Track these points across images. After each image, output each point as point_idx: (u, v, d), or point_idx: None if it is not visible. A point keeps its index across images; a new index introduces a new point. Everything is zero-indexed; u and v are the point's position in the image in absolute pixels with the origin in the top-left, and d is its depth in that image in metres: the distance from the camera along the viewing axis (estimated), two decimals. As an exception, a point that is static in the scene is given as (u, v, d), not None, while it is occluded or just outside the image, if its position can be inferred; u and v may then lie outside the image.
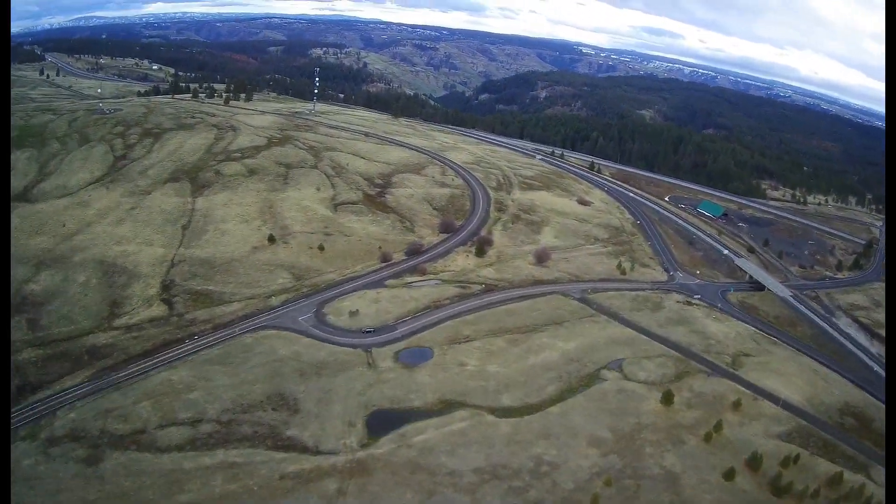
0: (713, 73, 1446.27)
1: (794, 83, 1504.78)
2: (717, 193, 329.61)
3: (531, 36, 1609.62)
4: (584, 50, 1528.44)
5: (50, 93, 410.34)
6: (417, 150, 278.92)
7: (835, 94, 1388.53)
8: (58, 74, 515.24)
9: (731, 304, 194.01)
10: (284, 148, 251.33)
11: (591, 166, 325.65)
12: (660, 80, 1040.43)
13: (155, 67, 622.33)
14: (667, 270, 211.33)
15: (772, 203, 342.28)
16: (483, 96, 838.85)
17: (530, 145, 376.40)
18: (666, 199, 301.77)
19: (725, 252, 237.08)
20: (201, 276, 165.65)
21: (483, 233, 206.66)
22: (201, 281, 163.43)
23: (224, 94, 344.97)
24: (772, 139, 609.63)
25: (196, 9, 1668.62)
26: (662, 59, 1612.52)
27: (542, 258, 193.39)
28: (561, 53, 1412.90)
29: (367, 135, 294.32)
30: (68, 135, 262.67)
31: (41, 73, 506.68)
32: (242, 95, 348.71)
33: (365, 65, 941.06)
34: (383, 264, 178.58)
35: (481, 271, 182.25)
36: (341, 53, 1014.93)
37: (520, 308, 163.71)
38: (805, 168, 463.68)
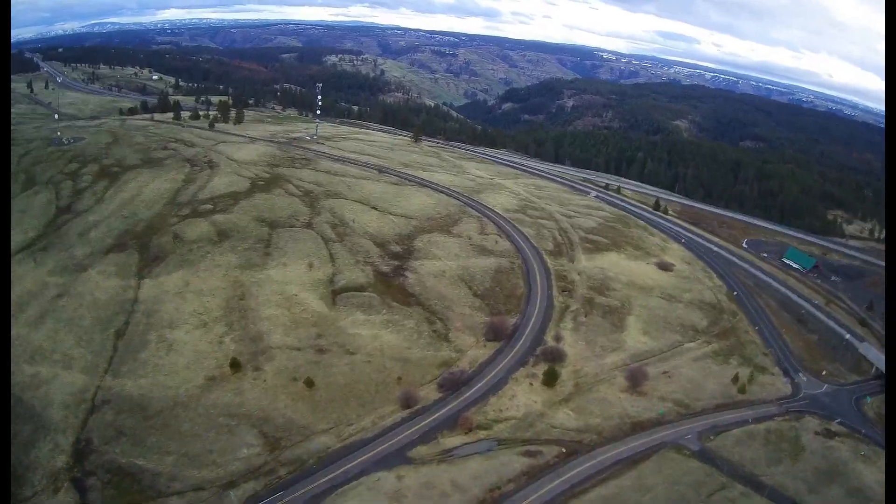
0: (734, 79, 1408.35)
1: (812, 87, 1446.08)
2: (796, 234, 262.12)
3: (550, 41, 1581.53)
4: (605, 56, 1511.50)
5: (25, 112, 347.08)
6: (446, 193, 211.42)
7: (854, 98, 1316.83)
8: (46, 87, 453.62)
9: (871, 420, 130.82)
10: (271, 195, 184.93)
11: (656, 205, 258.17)
12: (686, 86, 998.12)
13: (155, 77, 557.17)
14: (787, 373, 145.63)
15: (852, 244, 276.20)
16: (506, 105, 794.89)
17: (574, 171, 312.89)
18: (744, 244, 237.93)
19: (847, 337, 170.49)
20: (129, 433, 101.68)
21: (549, 338, 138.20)
22: (128, 446, 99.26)
23: (211, 115, 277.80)
24: (813, 152, 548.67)
25: (210, 15, 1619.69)
26: (683, 64, 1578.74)
27: (636, 380, 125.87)
28: (581, 59, 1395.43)
29: (380, 170, 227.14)
30: (14, 175, 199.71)
31: (28, 85, 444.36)
32: (233, 114, 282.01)
33: (382, 72, 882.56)
34: (405, 412, 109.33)
35: (555, 415, 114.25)
36: (357, 60, 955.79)
37: (622, 492, 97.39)
38: (865, 191, 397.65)
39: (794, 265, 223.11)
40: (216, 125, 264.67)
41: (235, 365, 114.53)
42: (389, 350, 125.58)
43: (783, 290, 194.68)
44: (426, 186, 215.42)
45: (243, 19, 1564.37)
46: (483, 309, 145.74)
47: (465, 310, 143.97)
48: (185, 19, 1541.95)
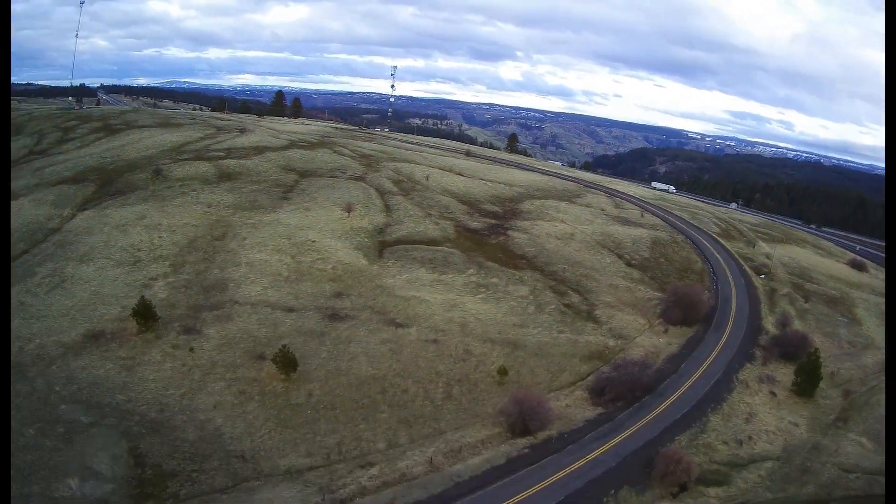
0: (816, 157, 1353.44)
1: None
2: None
3: (633, 121, 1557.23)
4: (690, 135, 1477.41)
5: (59, 108, 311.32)
6: (557, 176, 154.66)
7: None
8: (97, 105, 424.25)
9: None
10: (314, 152, 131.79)
11: (808, 220, 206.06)
12: (776, 160, 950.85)
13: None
14: None
15: None
16: (597, 171, 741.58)
17: (692, 197, 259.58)
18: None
19: None
20: None
21: (769, 324, 79.09)
22: None
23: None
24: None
25: (288, 83, 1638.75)
26: (763, 144, 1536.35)
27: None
28: (668, 137, 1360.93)
29: (468, 153, 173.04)
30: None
31: (78, 100, 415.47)
32: (290, 105, 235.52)
33: (468, 136, 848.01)
34: (519, 442, 47.72)
35: (839, 447, 52.17)
36: (442, 124, 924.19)
37: None
38: None
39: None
40: (267, 116, 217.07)
41: (144, 316, 57.98)
42: (480, 326, 66.39)
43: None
44: (530, 170, 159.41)
45: (323, 89, 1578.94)
46: (645, 282, 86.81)
47: (618, 280, 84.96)
48: (261, 85, 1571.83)
